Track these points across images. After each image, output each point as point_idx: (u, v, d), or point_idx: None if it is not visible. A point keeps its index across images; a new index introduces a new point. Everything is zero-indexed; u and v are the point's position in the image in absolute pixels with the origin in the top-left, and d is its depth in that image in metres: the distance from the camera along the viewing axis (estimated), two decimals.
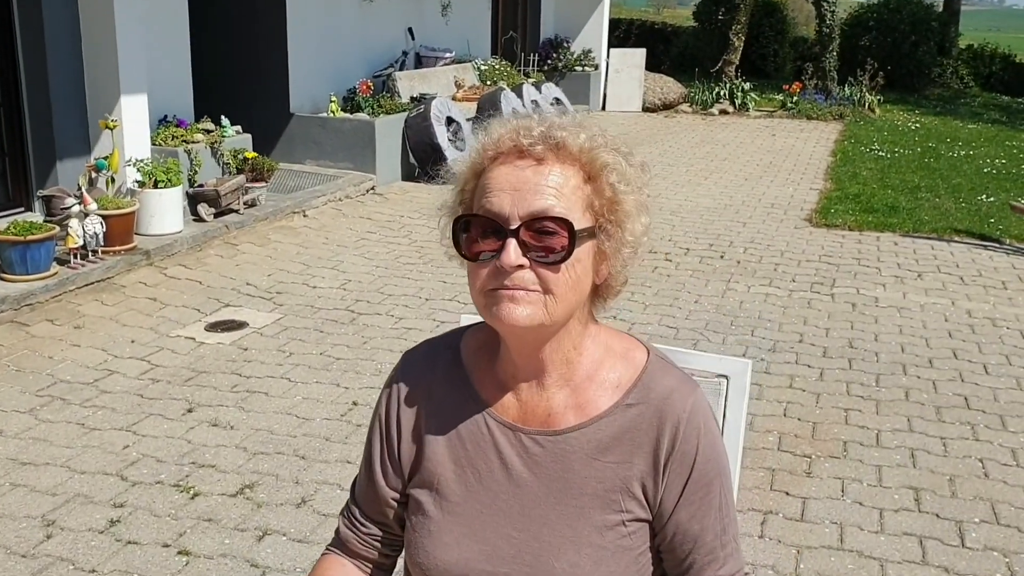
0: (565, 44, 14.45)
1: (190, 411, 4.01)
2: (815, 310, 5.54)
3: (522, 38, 14.06)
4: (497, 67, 11.97)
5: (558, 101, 11.37)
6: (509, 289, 1.15)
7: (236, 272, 5.92)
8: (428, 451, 1.30)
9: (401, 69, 10.10)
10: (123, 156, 6.12)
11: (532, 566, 1.23)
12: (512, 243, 1.13)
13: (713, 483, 1.25)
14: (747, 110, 14.29)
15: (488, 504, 1.26)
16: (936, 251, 6.92)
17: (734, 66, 15.80)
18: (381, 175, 8.46)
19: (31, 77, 6.02)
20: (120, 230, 5.69)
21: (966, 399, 4.33)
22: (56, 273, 5.25)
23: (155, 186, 6.10)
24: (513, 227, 1.14)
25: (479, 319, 1.27)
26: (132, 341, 4.74)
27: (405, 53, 10.42)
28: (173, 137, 6.89)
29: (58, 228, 5.32)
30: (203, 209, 6.52)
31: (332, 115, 8.71)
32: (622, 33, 20.85)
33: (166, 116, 7.09)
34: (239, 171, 7.11)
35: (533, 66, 13.44)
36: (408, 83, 9.77)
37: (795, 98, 14.30)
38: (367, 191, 8.21)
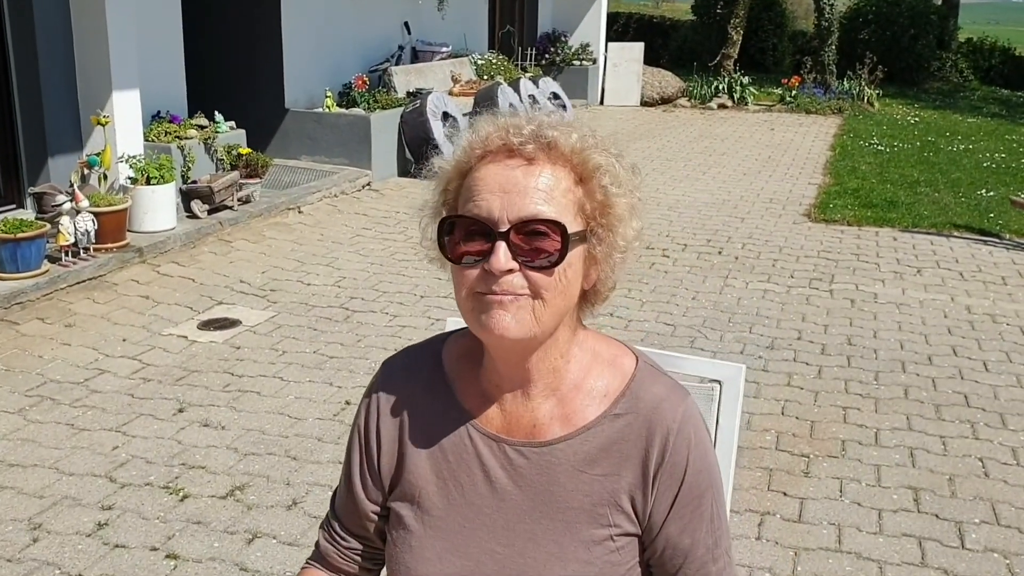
0: (563, 38, 14.39)
1: (181, 411, 3.96)
2: (813, 306, 5.50)
3: (519, 32, 13.99)
4: (494, 62, 11.91)
5: (556, 96, 11.31)
6: (497, 294, 1.10)
7: (230, 269, 5.87)
8: (409, 463, 1.26)
9: (397, 64, 10.05)
10: (115, 152, 6.07)
11: None
12: (502, 246, 1.09)
13: (704, 495, 1.21)
14: (746, 104, 14.25)
15: (471, 518, 1.22)
16: (935, 246, 6.88)
17: (733, 60, 15.77)
18: (377, 171, 8.41)
19: (22, 72, 5.95)
20: (112, 227, 5.64)
21: (966, 397, 4.29)
22: (47, 271, 5.20)
23: (148, 183, 6.05)
24: (503, 230, 1.09)
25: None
26: (124, 340, 4.70)
27: (401, 47, 10.37)
28: (166, 133, 6.84)
29: (49, 225, 5.27)
30: (196, 206, 6.47)
31: (327, 110, 8.66)
32: (620, 27, 20.80)
33: (159, 112, 7.03)
34: (233, 167, 7.06)
35: (530, 60, 13.37)
36: (404, 78, 9.71)
37: (794, 92, 14.25)
38: (363, 187, 8.16)
